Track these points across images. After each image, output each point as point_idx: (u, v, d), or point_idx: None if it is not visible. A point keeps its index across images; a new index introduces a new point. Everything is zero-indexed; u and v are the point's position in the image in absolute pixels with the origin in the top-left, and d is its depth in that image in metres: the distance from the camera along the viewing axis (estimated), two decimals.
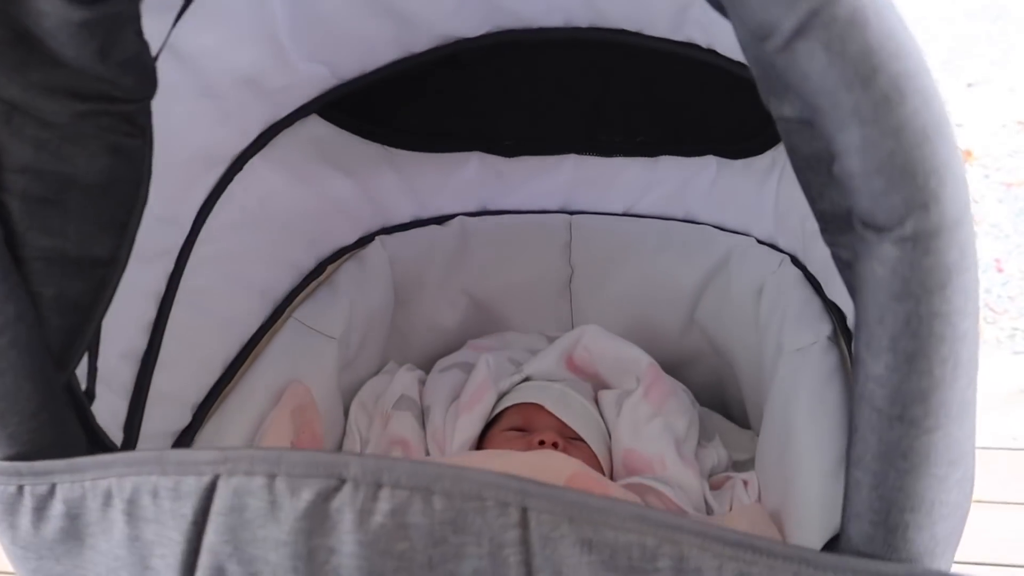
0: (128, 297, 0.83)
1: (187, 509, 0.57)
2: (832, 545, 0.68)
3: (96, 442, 0.77)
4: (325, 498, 0.55)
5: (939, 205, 0.50)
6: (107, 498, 0.59)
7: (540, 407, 1.22)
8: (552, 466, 1.01)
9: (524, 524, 0.54)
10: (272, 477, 0.55)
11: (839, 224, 0.60)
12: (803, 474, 0.91)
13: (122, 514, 0.59)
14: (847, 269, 0.61)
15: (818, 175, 0.60)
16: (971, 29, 3.99)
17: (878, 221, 0.52)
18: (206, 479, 0.57)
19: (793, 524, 0.92)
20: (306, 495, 0.55)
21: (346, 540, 0.55)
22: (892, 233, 0.52)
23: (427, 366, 1.41)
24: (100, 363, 0.78)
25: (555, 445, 1.13)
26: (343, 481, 0.55)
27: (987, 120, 3.37)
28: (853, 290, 0.60)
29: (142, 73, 0.70)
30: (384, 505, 0.54)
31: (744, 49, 0.58)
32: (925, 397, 0.54)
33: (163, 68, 0.75)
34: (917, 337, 0.53)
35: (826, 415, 0.94)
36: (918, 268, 0.51)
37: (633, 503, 0.56)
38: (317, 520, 0.55)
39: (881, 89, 0.49)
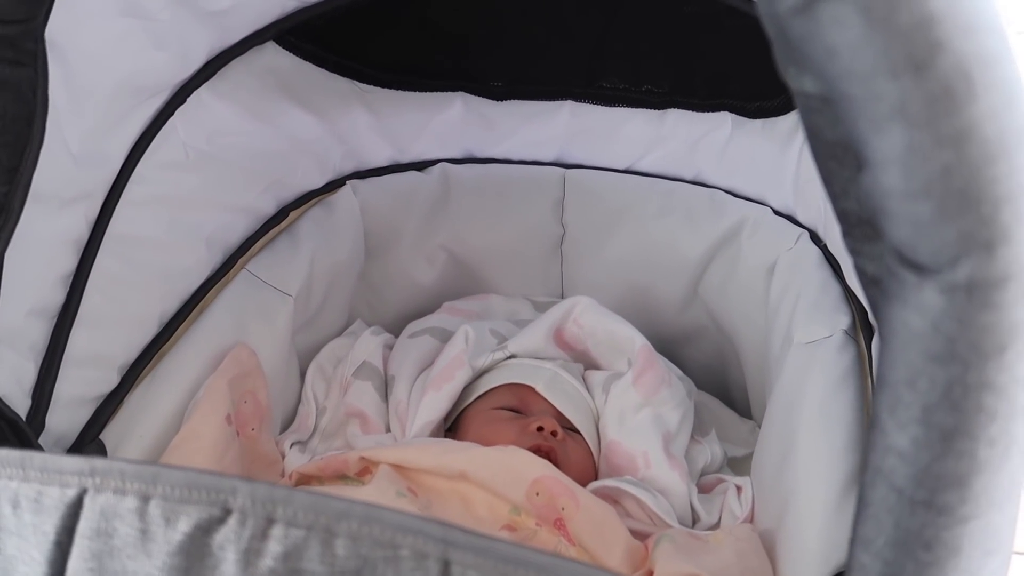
0: (38, 246, 0.80)
1: (49, 526, 0.51)
2: None
3: None
4: (206, 531, 0.48)
5: (1009, 246, 0.37)
6: None
7: (531, 389, 1.11)
8: (516, 466, 0.93)
9: None
10: (146, 500, 0.49)
11: (866, 230, 0.48)
12: (805, 496, 0.84)
13: None
14: (873, 286, 0.50)
15: (844, 167, 0.47)
16: None
17: (920, 258, 0.40)
18: (71, 493, 0.50)
19: (788, 554, 0.84)
20: (183, 526, 0.48)
21: None
22: (939, 277, 0.40)
23: (399, 325, 1.32)
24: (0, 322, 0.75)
25: (554, 434, 1.04)
26: (228, 512, 0.48)
27: None
28: (879, 321, 0.48)
29: None
30: (275, 546, 0.47)
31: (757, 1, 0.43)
32: (963, 482, 0.44)
33: None
34: (959, 411, 0.42)
35: (836, 425, 0.87)
36: (970, 326, 0.40)
37: (575, 562, 0.48)
38: (195, 556, 0.48)
39: (942, 77, 0.36)
